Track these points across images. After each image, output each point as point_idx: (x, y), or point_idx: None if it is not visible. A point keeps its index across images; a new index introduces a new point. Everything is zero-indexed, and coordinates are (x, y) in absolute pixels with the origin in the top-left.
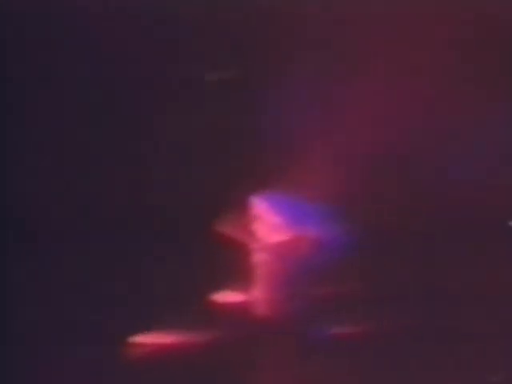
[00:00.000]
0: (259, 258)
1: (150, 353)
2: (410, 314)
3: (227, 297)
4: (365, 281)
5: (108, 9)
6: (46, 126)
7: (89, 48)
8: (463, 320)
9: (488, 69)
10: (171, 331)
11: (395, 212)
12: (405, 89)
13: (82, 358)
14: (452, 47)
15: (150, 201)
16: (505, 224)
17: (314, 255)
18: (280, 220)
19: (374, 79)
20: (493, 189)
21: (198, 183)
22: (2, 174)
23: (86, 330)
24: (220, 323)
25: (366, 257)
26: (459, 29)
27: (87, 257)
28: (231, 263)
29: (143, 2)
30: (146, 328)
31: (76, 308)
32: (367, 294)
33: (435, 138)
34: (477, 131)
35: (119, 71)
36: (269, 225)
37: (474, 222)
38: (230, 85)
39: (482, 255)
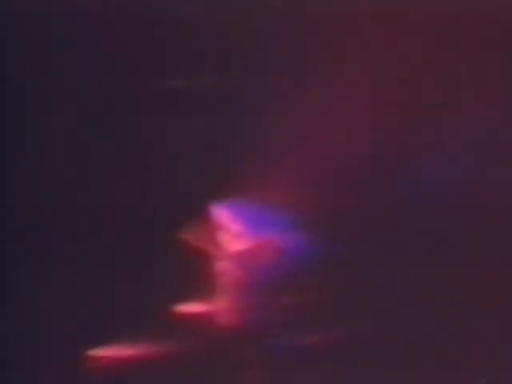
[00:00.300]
0: (222, 266)
1: (112, 366)
2: (375, 324)
3: (190, 307)
4: (329, 290)
5: (108, 9)
6: (46, 126)
7: (89, 48)
8: (427, 329)
9: (484, 69)
10: (133, 343)
11: (359, 221)
12: (382, 97)
13: (41, 372)
14: (447, 46)
15: (108, 209)
16: (479, 235)
17: (277, 264)
18: (243, 228)
19: (357, 84)
20: (466, 198)
21: (160, 191)
22: (2, 174)
23: (45, 344)
24: (182, 334)
25: (329, 265)
26: (454, 28)
27: (48, 264)
28: (194, 272)
29: (143, 2)
30: (107, 340)
31: (34, 320)
32: (331, 304)
33: (404, 146)
34: (451, 138)
35: (119, 71)
36: (231, 233)
37: (444, 230)
38: (196, 91)
39: (448, 265)
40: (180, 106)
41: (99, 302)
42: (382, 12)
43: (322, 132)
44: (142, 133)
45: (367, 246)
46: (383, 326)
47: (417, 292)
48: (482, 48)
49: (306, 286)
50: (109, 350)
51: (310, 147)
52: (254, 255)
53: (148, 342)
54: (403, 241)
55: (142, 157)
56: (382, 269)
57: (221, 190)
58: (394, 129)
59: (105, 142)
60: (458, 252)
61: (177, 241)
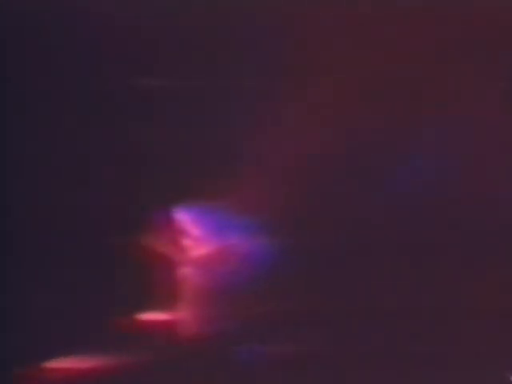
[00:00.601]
0: (184, 273)
1: (66, 379)
2: (343, 334)
3: (150, 316)
4: (296, 298)
5: (108, 9)
6: (46, 127)
7: (89, 48)
8: (396, 339)
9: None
10: (89, 355)
11: (324, 226)
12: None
13: None
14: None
15: (63, 212)
16: (442, 240)
17: (241, 270)
18: (205, 233)
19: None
20: (430, 204)
21: (119, 194)
22: (2, 174)
23: None
24: (143, 345)
25: (296, 272)
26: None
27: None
28: (153, 279)
29: (143, 2)
30: (61, 352)
31: None
32: (297, 313)
33: (367, 149)
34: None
35: (119, 71)
36: (193, 238)
37: (409, 237)
38: (157, 92)
39: (415, 274)
40: (144, 107)
41: (53, 311)
42: (378, 13)
43: (289, 135)
44: (100, 133)
45: (335, 252)
46: (352, 335)
47: (384, 301)
48: (480, 48)
49: (271, 294)
50: (62, 362)
51: (275, 150)
52: (216, 261)
53: (106, 354)
54: (372, 247)
55: (102, 157)
56: (350, 275)
57: (183, 192)
58: (367, 131)
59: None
60: (426, 260)
61: (136, 246)
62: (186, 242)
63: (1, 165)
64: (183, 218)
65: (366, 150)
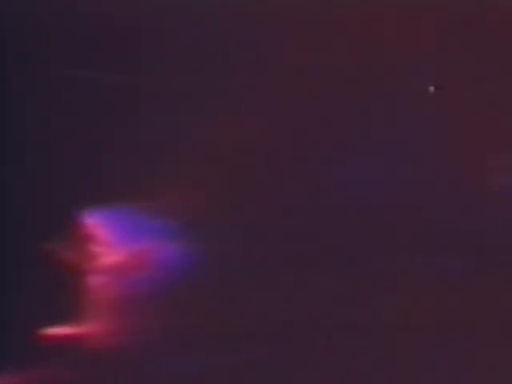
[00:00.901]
0: (94, 281)
1: None
2: (268, 346)
3: (57, 330)
4: (215, 307)
5: (108, 9)
6: (46, 126)
7: (89, 48)
8: (330, 349)
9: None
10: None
11: (246, 230)
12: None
13: None
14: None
15: None
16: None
17: (155, 277)
18: (115, 238)
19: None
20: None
21: (27, 196)
22: (2, 174)
23: None
24: (49, 361)
25: (214, 279)
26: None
27: None
28: (62, 289)
29: (143, 2)
30: None
31: None
32: (218, 323)
33: (301, 153)
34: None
35: (119, 71)
36: (103, 243)
37: (350, 239)
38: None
39: (352, 282)
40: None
41: None
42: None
43: (210, 136)
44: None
45: (256, 258)
46: (277, 347)
47: (313, 307)
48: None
49: (188, 303)
50: None
51: (194, 148)
52: (128, 268)
53: (8, 370)
54: (300, 252)
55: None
56: (273, 281)
57: (91, 195)
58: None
59: None
60: (364, 269)
61: (42, 253)
62: (96, 248)
63: (1, 165)
64: (93, 221)
65: (300, 149)
